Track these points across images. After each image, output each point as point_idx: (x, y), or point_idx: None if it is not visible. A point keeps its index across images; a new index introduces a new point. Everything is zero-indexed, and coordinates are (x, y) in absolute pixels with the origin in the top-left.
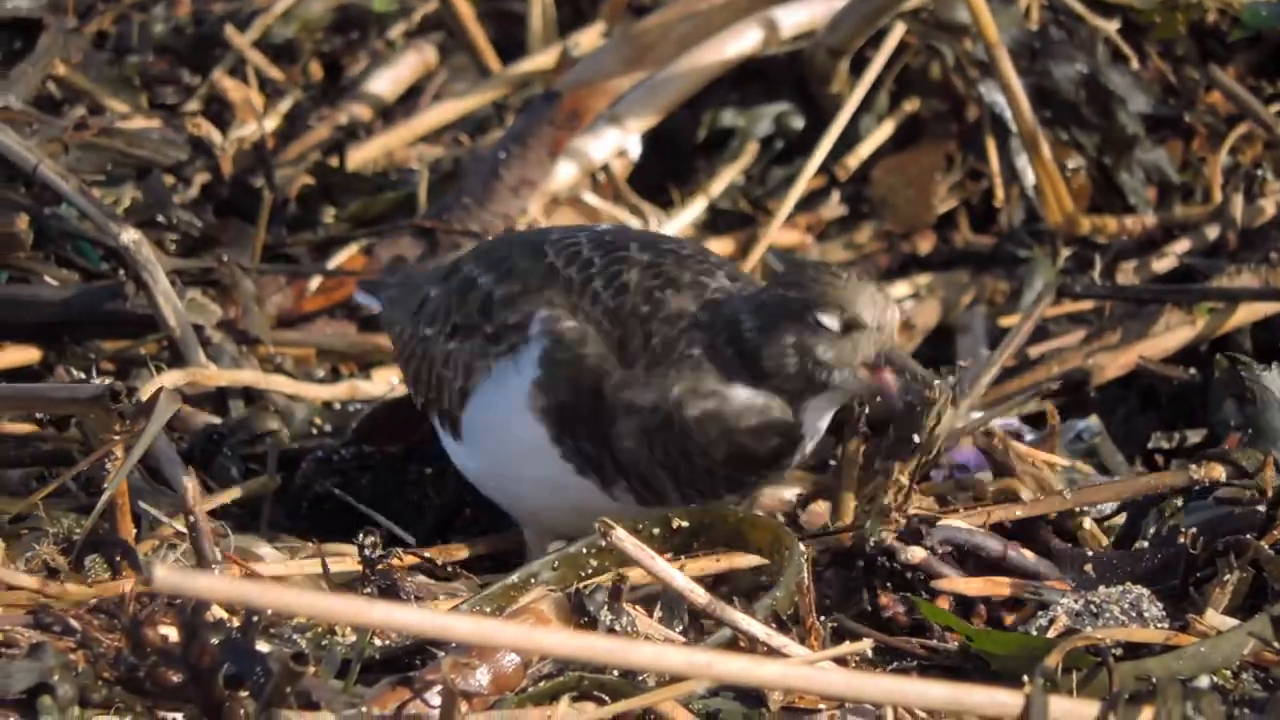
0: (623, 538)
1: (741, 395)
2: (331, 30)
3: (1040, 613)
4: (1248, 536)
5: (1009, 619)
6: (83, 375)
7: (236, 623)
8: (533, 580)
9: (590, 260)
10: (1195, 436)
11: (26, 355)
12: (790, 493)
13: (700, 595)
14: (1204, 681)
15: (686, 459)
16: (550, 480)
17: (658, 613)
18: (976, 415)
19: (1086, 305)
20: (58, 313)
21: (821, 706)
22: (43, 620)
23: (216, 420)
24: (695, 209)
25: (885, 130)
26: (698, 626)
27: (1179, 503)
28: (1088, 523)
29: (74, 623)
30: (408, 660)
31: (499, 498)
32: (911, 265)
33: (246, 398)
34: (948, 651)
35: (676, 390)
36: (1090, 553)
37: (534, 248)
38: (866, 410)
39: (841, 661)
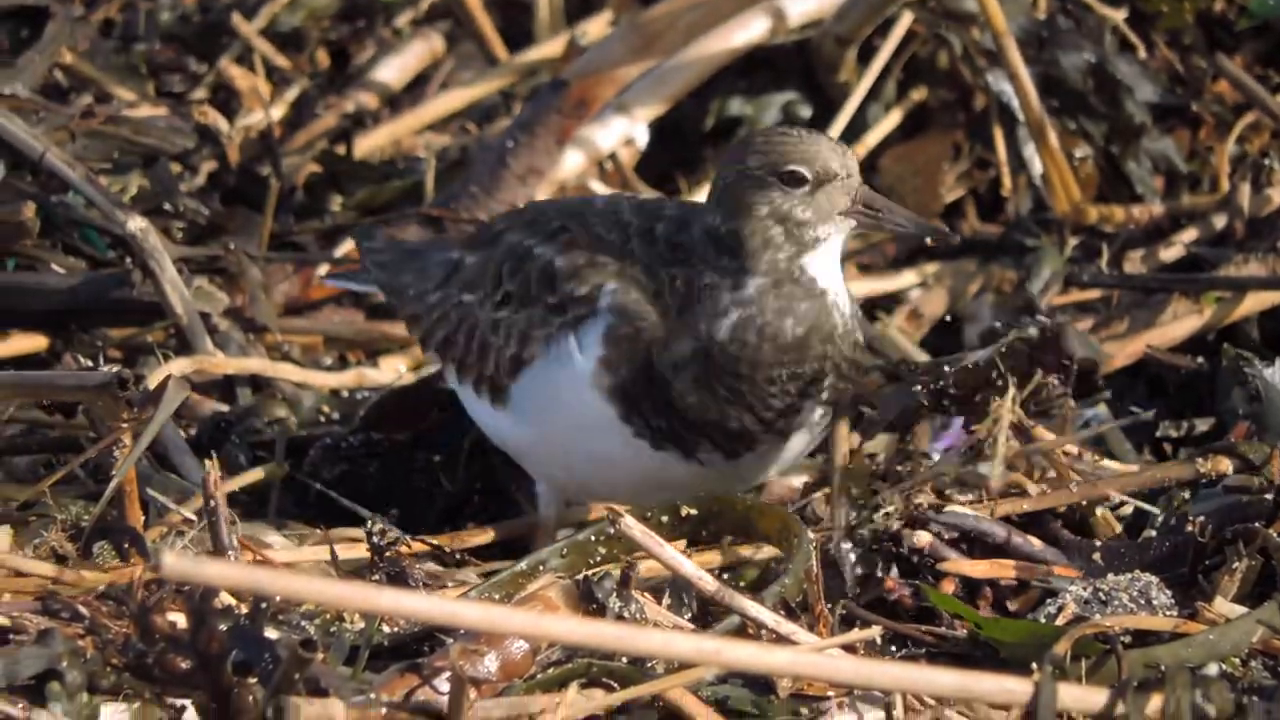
0: (631, 525)
1: (750, 290)
2: (338, 18)
3: (1049, 600)
4: (1256, 524)
5: (1016, 605)
6: (90, 363)
7: (245, 609)
8: (541, 567)
9: (630, 223)
10: (1203, 425)
11: (34, 343)
12: (798, 481)
13: (709, 582)
14: (1213, 669)
15: (748, 382)
16: (621, 457)
17: (666, 600)
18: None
19: (1094, 294)
20: (65, 300)
21: (830, 693)
22: (51, 607)
23: (224, 408)
24: (702, 197)
25: (893, 119)
26: (706, 614)
27: (1187, 492)
28: (1099, 510)
29: (82, 609)
30: (416, 647)
31: (543, 467)
32: (919, 254)
33: (254, 385)
34: (956, 639)
35: (702, 323)
36: (1098, 541)
37: (582, 219)
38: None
39: (850, 649)
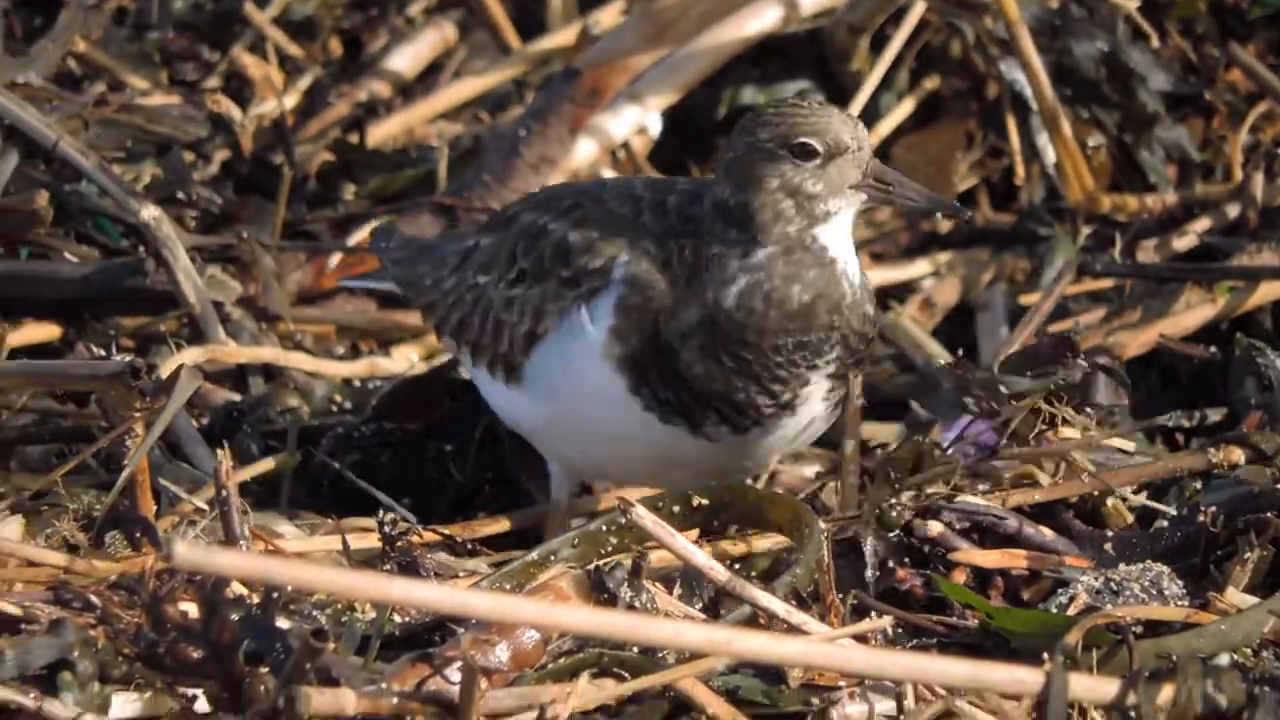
0: (642, 515)
1: (759, 257)
2: (351, 7)
3: (1060, 590)
4: (1268, 515)
5: (1027, 595)
6: (102, 352)
7: (256, 599)
8: (552, 557)
9: (642, 197)
10: (1215, 415)
11: (46, 332)
12: (809, 470)
13: (720, 572)
14: (1224, 659)
15: (754, 350)
16: (631, 432)
17: (677, 590)
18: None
19: (1107, 283)
20: (78, 289)
21: (841, 683)
22: (63, 596)
23: (236, 397)
24: None
25: (905, 108)
26: (717, 604)
27: (1199, 483)
28: (1110, 500)
29: (94, 599)
30: (428, 637)
31: (557, 447)
32: (932, 243)
33: (266, 375)
34: (968, 629)
35: (710, 291)
36: (1110, 531)
37: (595, 196)
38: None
39: (861, 639)
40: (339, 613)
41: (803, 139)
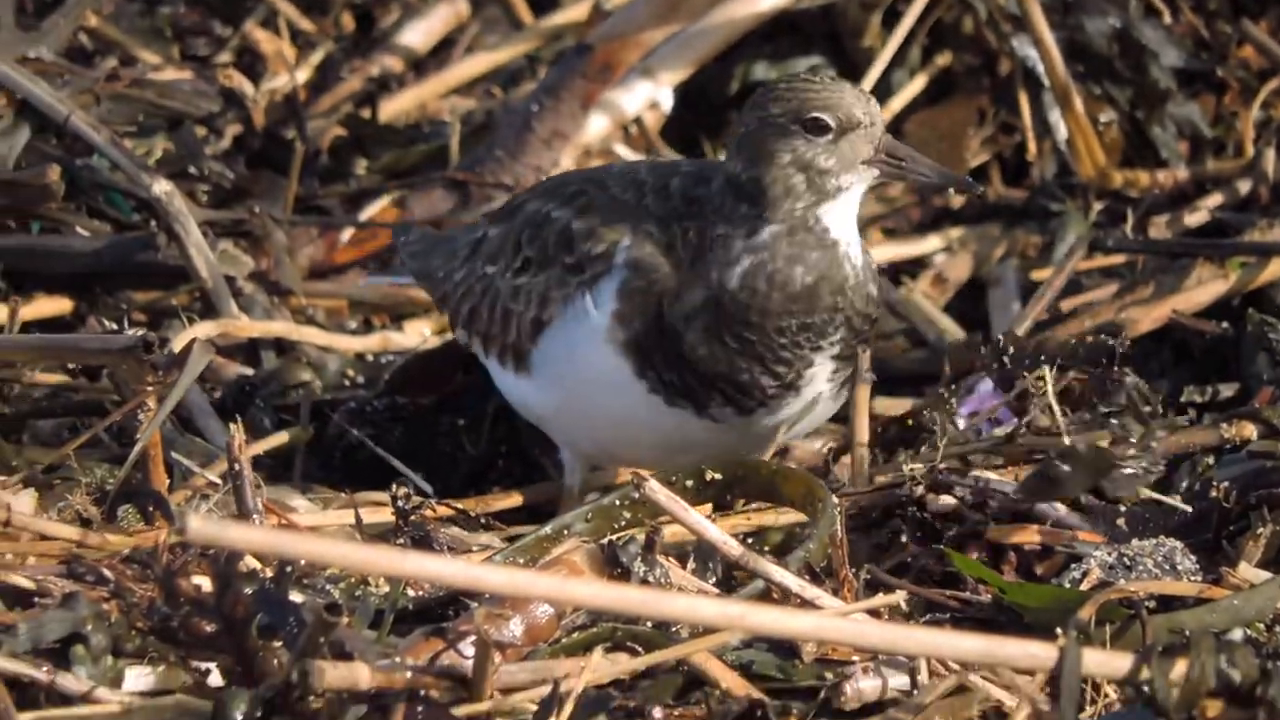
0: (656, 489)
1: (764, 236)
2: None
3: (1073, 565)
4: None
5: (1041, 570)
6: (115, 326)
7: (270, 573)
8: (566, 532)
9: (645, 181)
10: (1228, 390)
11: (58, 306)
12: (822, 445)
13: (733, 547)
14: (1237, 634)
15: (757, 331)
16: (637, 416)
17: (691, 564)
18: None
19: (1119, 259)
20: (89, 264)
21: (854, 658)
22: (76, 570)
23: (249, 371)
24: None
25: (917, 84)
26: (730, 578)
27: (1211, 458)
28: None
29: (107, 573)
30: (441, 611)
31: (568, 432)
32: (944, 219)
33: (278, 349)
34: (981, 604)
35: (714, 272)
36: (1123, 506)
37: (600, 183)
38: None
39: (875, 613)
40: (352, 587)
41: (815, 114)
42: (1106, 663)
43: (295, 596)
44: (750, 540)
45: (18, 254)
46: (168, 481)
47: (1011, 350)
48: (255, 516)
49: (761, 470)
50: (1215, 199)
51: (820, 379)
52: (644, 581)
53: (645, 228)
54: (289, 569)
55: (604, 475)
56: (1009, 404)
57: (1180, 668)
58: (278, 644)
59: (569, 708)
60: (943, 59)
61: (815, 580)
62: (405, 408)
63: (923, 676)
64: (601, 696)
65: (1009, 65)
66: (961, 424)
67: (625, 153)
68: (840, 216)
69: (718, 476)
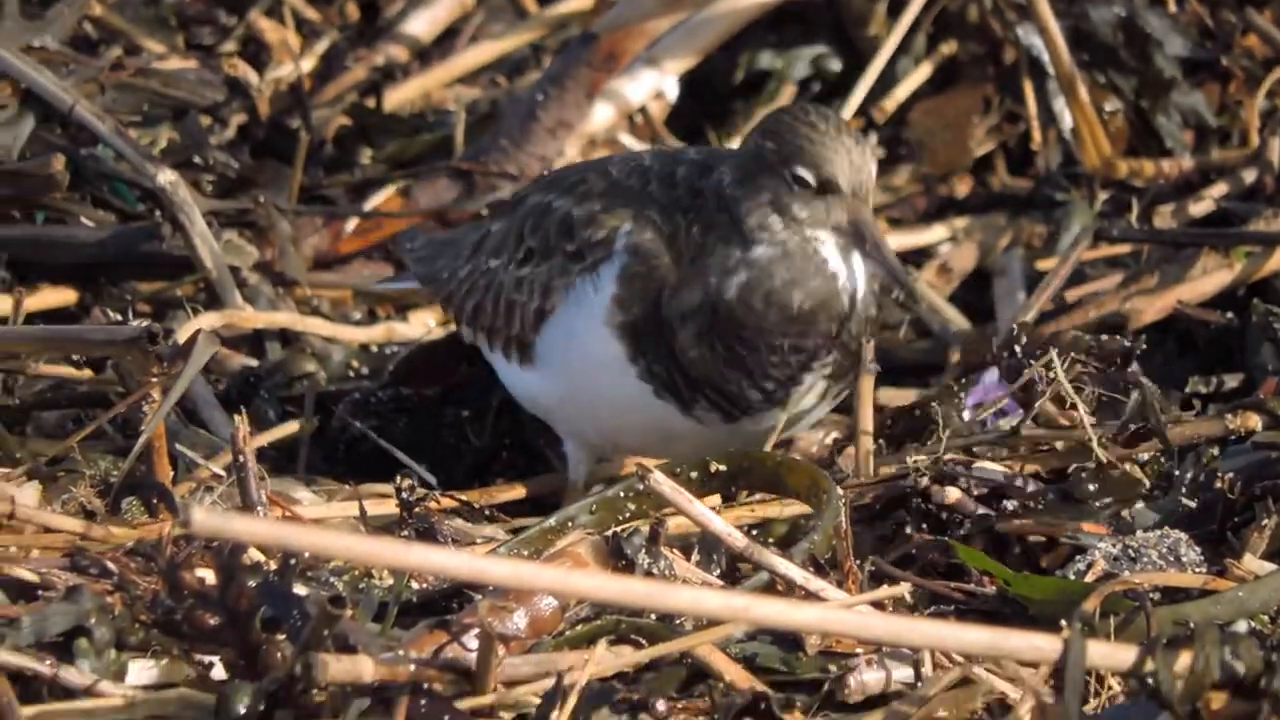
0: (660, 481)
1: (759, 253)
2: None
3: (1078, 557)
4: None
5: (1045, 562)
6: (119, 317)
7: (274, 566)
8: (570, 524)
9: (650, 168)
10: (1232, 380)
11: (63, 296)
12: (826, 436)
13: (738, 538)
14: (1242, 626)
15: (750, 345)
16: (629, 402)
17: (695, 556)
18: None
19: (1124, 249)
20: (94, 254)
21: (859, 650)
22: (80, 563)
23: (253, 362)
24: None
25: (923, 73)
26: (735, 570)
27: (1215, 449)
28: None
29: (111, 565)
30: (445, 604)
31: (571, 423)
32: (949, 208)
33: (283, 340)
34: (985, 596)
35: (713, 278)
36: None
37: (601, 170)
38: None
39: (879, 605)
40: (356, 579)
41: (800, 168)
42: (1111, 655)
43: (299, 589)
44: (755, 532)
45: (22, 244)
46: (172, 473)
47: (1024, 340)
48: (259, 509)
49: (766, 462)
50: (1220, 188)
51: (810, 396)
52: (648, 574)
53: (648, 214)
54: (293, 561)
55: (609, 468)
56: (1014, 395)
57: (1185, 660)
58: (281, 637)
59: (573, 700)
60: (948, 47)
61: (820, 572)
62: (409, 399)
63: (927, 669)
64: (605, 689)
65: (1014, 54)
66: (967, 415)
67: (630, 142)
68: (834, 249)
69: (722, 468)
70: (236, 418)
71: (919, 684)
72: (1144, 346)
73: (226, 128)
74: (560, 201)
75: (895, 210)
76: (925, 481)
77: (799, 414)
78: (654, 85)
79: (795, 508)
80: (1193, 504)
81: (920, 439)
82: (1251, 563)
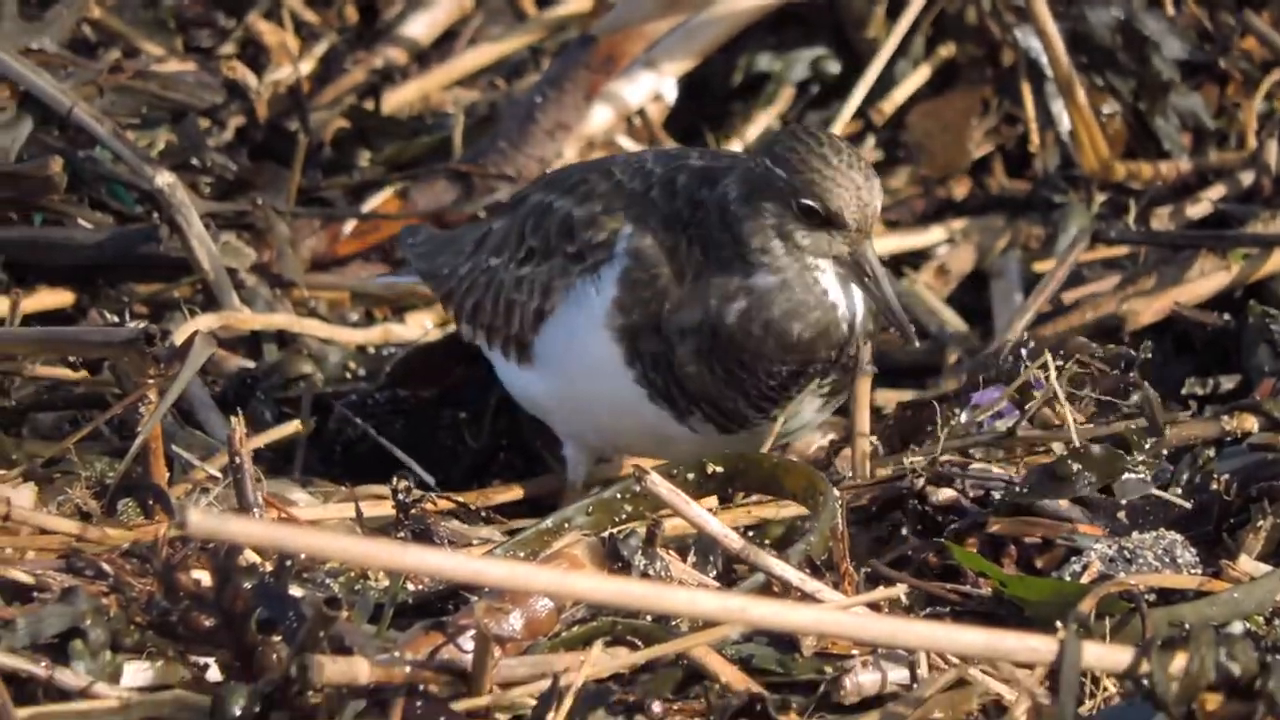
0: (657, 482)
1: (765, 282)
2: None
3: (1073, 559)
4: None
5: (1041, 563)
6: (116, 319)
7: (269, 567)
8: (567, 525)
9: (652, 172)
10: (1229, 382)
11: (60, 298)
12: (824, 438)
13: (734, 540)
14: (1237, 627)
15: (747, 370)
16: (625, 405)
17: (691, 558)
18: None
19: (1121, 251)
20: (92, 256)
21: (854, 652)
22: (75, 565)
23: (250, 364)
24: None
25: (921, 75)
26: (731, 572)
27: (1211, 450)
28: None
29: (106, 567)
30: (441, 605)
31: (570, 424)
32: (946, 210)
33: (280, 341)
34: (981, 597)
35: (713, 300)
36: (1123, 499)
37: (604, 171)
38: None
39: (875, 607)
40: (352, 581)
41: (806, 200)
42: (1106, 656)
43: (295, 591)
44: (751, 534)
45: (19, 246)
46: (168, 475)
47: (1031, 345)
48: (255, 510)
49: (763, 463)
50: (1217, 190)
51: (806, 412)
52: (644, 575)
53: (648, 220)
54: (289, 563)
55: (607, 469)
56: (1011, 398)
57: (1180, 661)
58: (277, 638)
59: (568, 702)
60: (946, 50)
61: (816, 574)
62: (406, 400)
63: (922, 670)
64: (601, 690)
65: (1012, 56)
66: (964, 417)
67: (629, 144)
68: (834, 278)
69: (719, 470)
70: (233, 419)
71: (915, 685)
72: (1149, 355)
73: (225, 130)
74: (561, 202)
75: (893, 212)
76: (921, 483)
77: (796, 427)
78: (652, 87)
79: (791, 509)
80: (1189, 505)
81: (917, 441)
82: (1247, 564)
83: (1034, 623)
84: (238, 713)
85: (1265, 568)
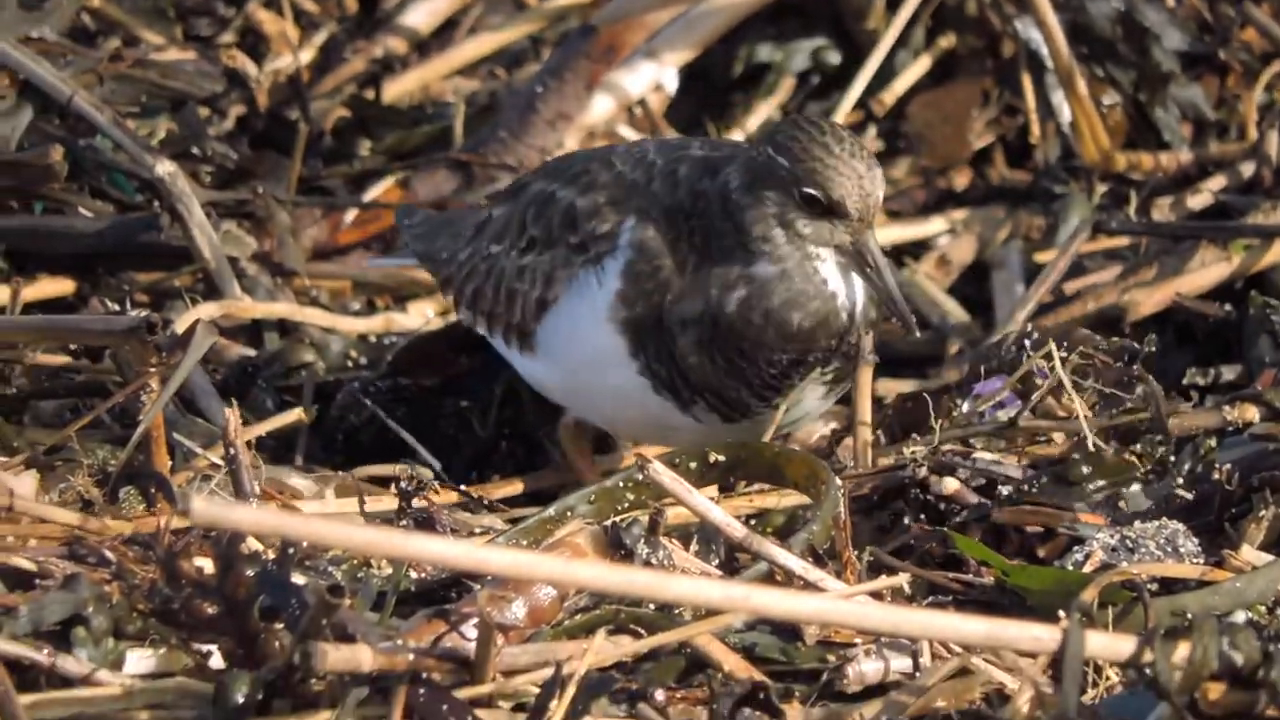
0: (659, 471)
1: (759, 270)
2: None
3: (1076, 548)
4: None
5: (1043, 552)
6: (117, 307)
7: (272, 555)
8: (569, 513)
9: (654, 162)
10: (1230, 372)
11: (61, 287)
12: (826, 427)
13: (737, 529)
14: (1239, 617)
15: (748, 359)
16: (628, 395)
17: (694, 546)
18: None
19: (1122, 241)
20: (92, 244)
21: (857, 641)
22: (77, 552)
23: (251, 353)
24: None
25: (921, 66)
26: (733, 560)
27: (1213, 440)
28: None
29: (109, 554)
30: (444, 593)
31: (574, 408)
32: (947, 201)
33: (281, 330)
34: (983, 586)
35: (714, 290)
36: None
37: (605, 161)
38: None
39: (878, 596)
40: (355, 569)
41: (809, 190)
42: (1109, 645)
43: (297, 578)
44: (753, 522)
45: (20, 234)
46: (170, 463)
47: (1034, 336)
48: (252, 500)
49: (765, 452)
50: (1218, 181)
51: (809, 400)
52: (647, 563)
53: (651, 212)
54: (291, 551)
55: (610, 460)
56: (1014, 388)
57: (1182, 650)
58: (279, 626)
59: (571, 690)
60: (946, 41)
61: (818, 562)
62: (409, 389)
63: (925, 659)
64: (604, 679)
65: (1013, 47)
66: (966, 407)
67: (629, 134)
68: (834, 267)
69: (721, 458)
70: (228, 410)
71: (917, 674)
72: (1153, 349)
73: (225, 119)
74: (564, 192)
75: (894, 203)
76: (924, 472)
77: (799, 416)
78: (653, 78)
79: (794, 498)
80: (1190, 495)
81: (918, 431)
82: (1249, 554)
83: (1036, 612)
84: (240, 700)
85: (1267, 557)
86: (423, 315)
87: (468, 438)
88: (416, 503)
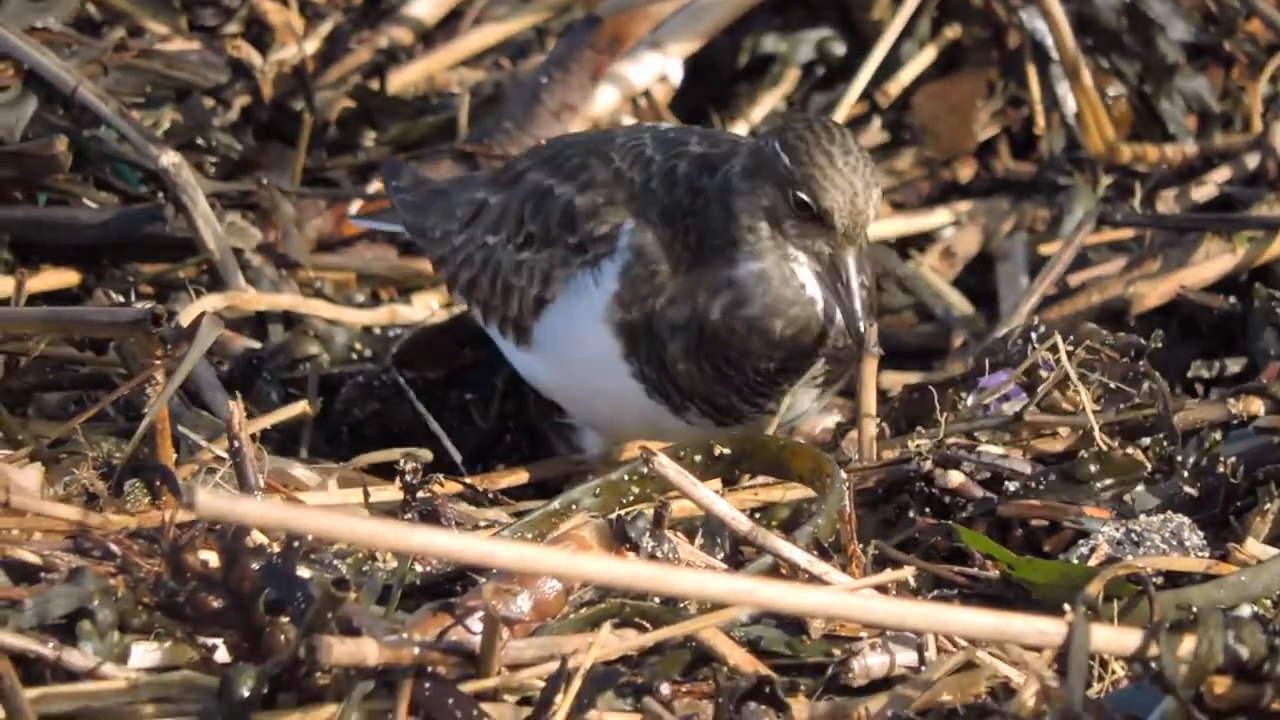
0: (665, 464)
1: (741, 272)
2: None
3: (1081, 541)
4: None
5: (1048, 546)
6: (122, 299)
7: (277, 548)
8: (574, 507)
9: (652, 160)
10: (1235, 365)
11: (65, 278)
12: (830, 420)
13: (742, 522)
14: (1245, 610)
15: (735, 367)
16: (623, 397)
17: (699, 540)
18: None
19: (1127, 233)
20: (97, 235)
21: (863, 634)
22: (83, 545)
23: (256, 344)
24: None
25: (926, 57)
26: (738, 554)
27: (1218, 433)
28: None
29: (114, 548)
30: (449, 587)
31: (570, 407)
32: (952, 192)
33: (286, 322)
34: (989, 580)
35: (700, 296)
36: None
37: (603, 155)
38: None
39: (883, 589)
40: (360, 562)
41: (802, 195)
42: (1114, 639)
43: (302, 572)
44: (758, 515)
45: (24, 225)
46: (175, 455)
47: (1041, 329)
48: (256, 493)
49: (770, 445)
50: (1223, 173)
51: (804, 402)
52: (652, 557)
53: (649, 213)
54: (296, 544)
55: (613, 452)
56: (1019, 381)
57: (1188, 644)
58: (285, 619)
59: (577, 684)
60: (952, 31)
61: (823, 556)
62: (413, 381)
63: (930, 653)
64: (609, 672)
65: (1018, 38)
66: (971, 400)
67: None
68: (810, 273)
69: (726, 452)
70: (232, 402)
71: (923, 668)
72: (1159, 344)
73: (230, 109)
74: (562, 188)
75: (898, 194)
76: (928, 465)
77: (796, 416)
78: (658, 68)
79: (798, 491)
80: (1195, 489)
81: (923, 424)
82: (1254, 547)
83: (1042, 605)
84: (245, 693)
85: (1272, 550)
86: (427, 307)
87: (472, 430)
88: (421, 495)
